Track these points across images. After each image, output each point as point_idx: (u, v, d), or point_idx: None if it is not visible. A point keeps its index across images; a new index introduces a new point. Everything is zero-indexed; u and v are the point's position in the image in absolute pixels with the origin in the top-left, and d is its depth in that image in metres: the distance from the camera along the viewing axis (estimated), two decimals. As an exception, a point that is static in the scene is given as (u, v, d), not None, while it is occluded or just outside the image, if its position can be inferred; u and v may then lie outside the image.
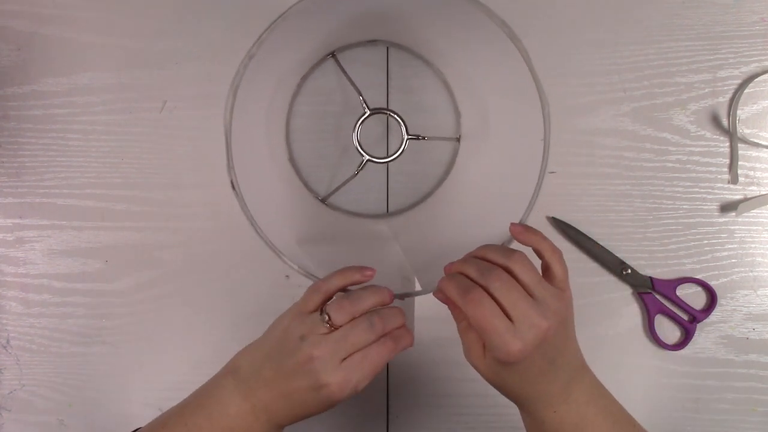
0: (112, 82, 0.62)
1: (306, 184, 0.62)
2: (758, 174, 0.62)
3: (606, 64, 0.62)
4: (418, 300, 0.56)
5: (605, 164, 0.62)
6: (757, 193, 0.62)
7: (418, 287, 0.54)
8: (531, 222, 0.47)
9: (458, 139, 0.62)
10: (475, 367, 0.43)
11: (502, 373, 0.41)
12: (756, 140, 0.62)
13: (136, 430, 0.47)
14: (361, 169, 0.56)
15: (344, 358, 0.41)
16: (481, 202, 0.58)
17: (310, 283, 0.46)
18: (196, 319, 0.62)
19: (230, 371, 0.45)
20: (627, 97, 0.62)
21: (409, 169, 0.63)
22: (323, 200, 0.62)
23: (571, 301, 0.43)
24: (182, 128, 0.62)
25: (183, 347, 0.62)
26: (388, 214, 0.63)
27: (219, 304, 0.62)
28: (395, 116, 0.56)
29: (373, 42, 0.62)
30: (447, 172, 0.63)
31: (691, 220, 0.62)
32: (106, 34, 0.62)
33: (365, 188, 0.63)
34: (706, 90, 0.62)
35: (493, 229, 0.51)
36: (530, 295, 0.40)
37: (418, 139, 0.57)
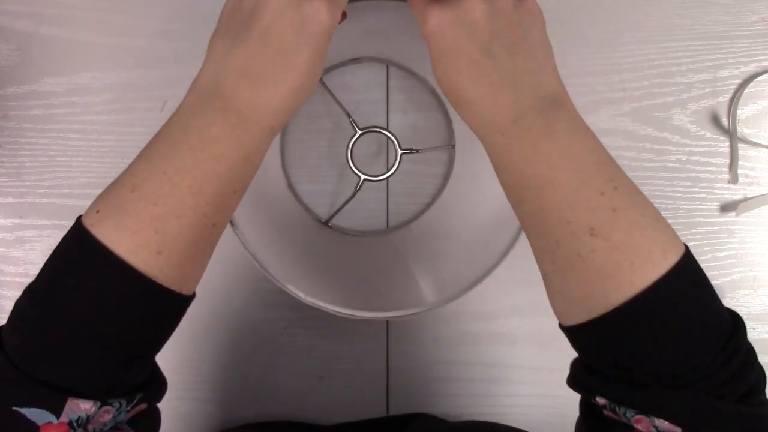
0: (112, 82, 0.62)
1: (307, 209, 0.62)
2: (758, 174, 0.62)
3: (606, 64, 0.62)
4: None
5: (605, 164, 0.62)
6: (757, 193, 0.62)
7: (426, 298, 0.54)
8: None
9: (453, 146, 0.62)
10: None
11: (435, 60, 0.38)
12: (756, 140, 0.62)
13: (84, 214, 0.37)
14: (359, 188, 0.56)
15: None
16: (482, 207, 0.58)
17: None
18: (195, 318, 0.62)
19: (192, 92, 0.39)
20: (627, 97, 0.62)
21: (408, 181, 0.62)
22: (326, 222, 0.61)
23: (538, 15, 0.39)
24: (182, 128, 0.62)
25: (183, 347, 0.62)
26: (389, 228, 0.62)
27: (218, 304, 0.62)
28: (386, 133, 0.55)
29: (356, 60, 0.61)
30: (446, 179, 0.62)
31: (691, 220, 0.62)
32: (106, 34, 0.62)
33: (365, 205, 0.62)
34: (706, 90, 0.62)
35: (498, 234, 0.51)
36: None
37: (411, 152, 0.56)
